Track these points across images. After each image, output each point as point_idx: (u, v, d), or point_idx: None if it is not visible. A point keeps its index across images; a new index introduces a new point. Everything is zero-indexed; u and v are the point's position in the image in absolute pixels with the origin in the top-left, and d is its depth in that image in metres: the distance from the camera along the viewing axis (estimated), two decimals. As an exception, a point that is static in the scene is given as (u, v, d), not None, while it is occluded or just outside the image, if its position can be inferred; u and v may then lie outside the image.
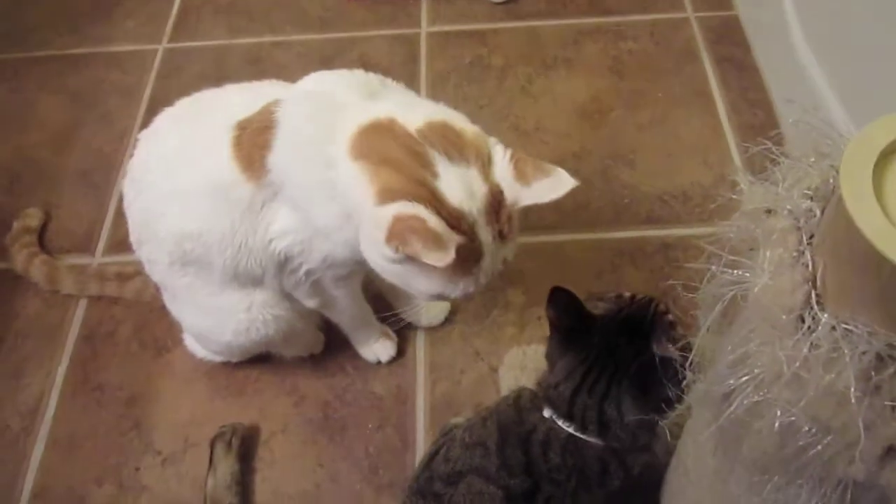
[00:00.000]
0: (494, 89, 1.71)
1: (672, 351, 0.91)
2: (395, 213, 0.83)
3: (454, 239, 0.84)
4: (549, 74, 1.73)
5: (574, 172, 1.51)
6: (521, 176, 0.89)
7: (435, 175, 0.87)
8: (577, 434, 0.95)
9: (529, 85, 1.72)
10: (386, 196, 0.85)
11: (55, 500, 1.22)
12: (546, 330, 1.32)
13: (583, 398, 0.94)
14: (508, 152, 0.91)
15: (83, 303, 1.43)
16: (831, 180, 0.61)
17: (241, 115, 0.98)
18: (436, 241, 0.82)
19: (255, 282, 1.08)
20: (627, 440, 0.95)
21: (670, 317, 0.96)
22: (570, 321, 0.96)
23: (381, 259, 0.89)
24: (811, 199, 0.60)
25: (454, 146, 0.89)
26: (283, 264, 1.04)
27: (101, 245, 1.52)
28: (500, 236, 0.89)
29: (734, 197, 0.65)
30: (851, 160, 0.54)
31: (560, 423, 0.96)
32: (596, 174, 1.54)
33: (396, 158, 0.87)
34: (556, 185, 0.89)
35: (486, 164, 0.89)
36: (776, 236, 0.59)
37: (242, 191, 0.98)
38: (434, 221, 0.83)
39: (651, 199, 1.50)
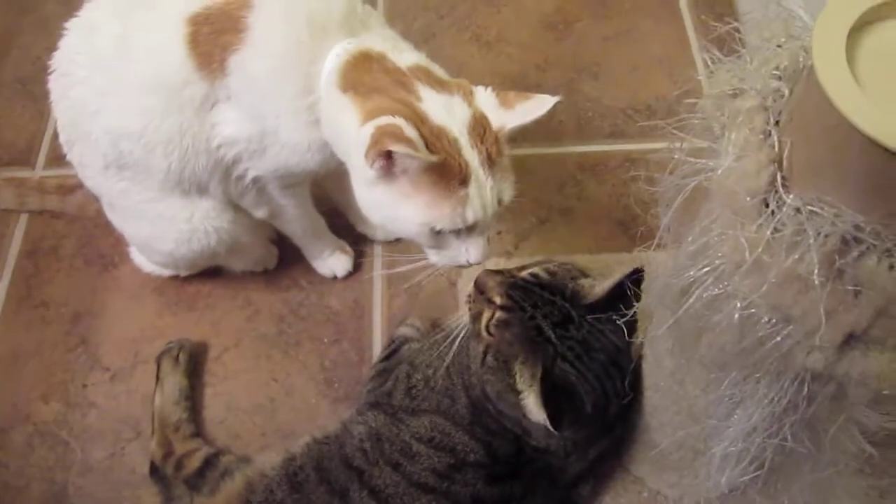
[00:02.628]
0: (456, -1, 1.64)
1: (592, 288, 0.91)
2: (377, 125, 0.82)
3: (430, 154, 0.83)
4: (512, -17, 1.66)
5: (537, 86, 1.50)
6: (505, 102, 0.89)
7: (419, 99, 0.87)
8: None
9: (492, -6, 1.65)
10: (370, 116, 0.85)
11: (-1, 417, 1.18)
12: (506, 244, 1.31)
13: (614, 409, 0.91)
14: (490, 88, 0.91)
15: (24, 217, 1.37)
16: (801, 60, 0.58)
17: (191, 9, 0.92)
18: (410, 144, 0.81)
19: (200, 189, 1.03)
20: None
21: (542, 272, 0.94)
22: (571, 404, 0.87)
23: (365, 189, 0.88)
24: (780, 78, 0.57)
25: (438, 82, 0.90)
26: (230, 169, 1.00)
27: (41, 158, 1.44)
28: (489, 160, 0.87)
29: (699, 77, 0.61)
30: (823, 32, 0.51)
31: None
32: (560, 87, 1.50)
33: (384, 87, 0.88)
34: (539, 103, 0.88)
35: (468, 95, 0.89)
36: (742, 117, 0.56)
37: (195, 89, 0.93)
38: (412, 132, 0.82)
39: (615, 113, 1.46)
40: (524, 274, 0.94)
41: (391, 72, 0.89)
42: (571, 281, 0.92)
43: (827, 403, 0.65)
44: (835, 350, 0.56)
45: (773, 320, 0.57)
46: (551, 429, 0.82)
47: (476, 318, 0.92)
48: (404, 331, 1.16)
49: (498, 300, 0.90)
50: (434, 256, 0.94)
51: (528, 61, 1.54)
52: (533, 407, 0.84)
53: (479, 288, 0.93)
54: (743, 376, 0.66)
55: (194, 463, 1.05)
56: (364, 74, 0.88)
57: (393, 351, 1.12)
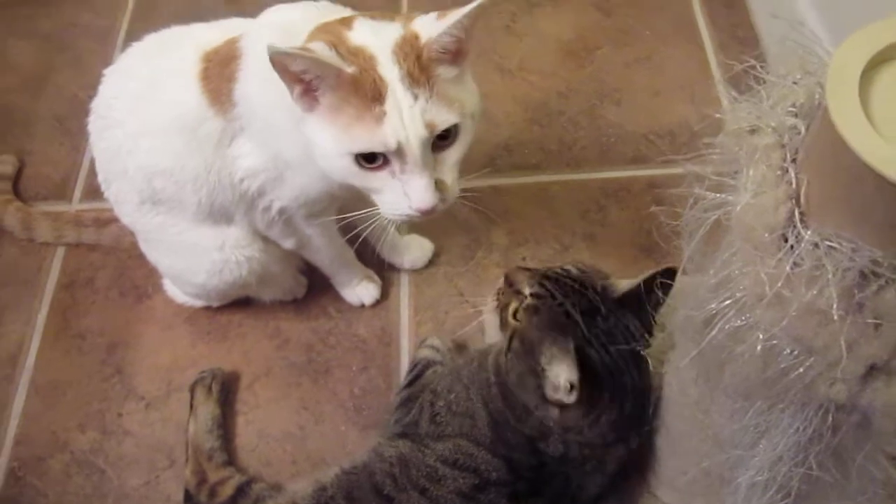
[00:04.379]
0: (477, 28, 1.64)
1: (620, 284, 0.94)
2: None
3: (336, 57, 0.79)
4: (533, 12, 1.69)
5: (559, 112, 1.52)
6: (440, 17, 0.83)
7: (350, 28, 0.84)
8: None
9: (513, 23, 1.67)
10: None
11: (38, 446, 1.21)
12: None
13: (628, 408, 0.92)
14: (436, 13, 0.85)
15: (61, 250, 1.41)
16: (817, 96, 0.59)
17: (206, 47, 0.96)
18: (307, 51, 0.79)
19: (228, 219, 1.06)
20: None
21: (573, 268, 0.98)
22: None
23: (303, 131, 0.86)
24: (796, 115, 0.59)
25: (383, 17, 0.87)
26: (256, 201, 1.03)
27: (77, 192, 1.49)
28: (411, 77, 0.81)
29: (718, 116, 0.63)
30: (837, 72, 0.52)
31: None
32: (581, 113, 1.52)
33: (325, 30, 0.86)
34: (462, 8, 0.81)
35: (408, 21, 0.85)
36: (759, 154, 0.58)
37: (211, 126, 0.95)
38: (319, 48, 0.80)
39: (637, 139, 1.47)
40: (556, 267, 0.97)
41: (341, 20, 0.87)
42: (602, 279, 0.95)
43: (852, 432, 0.65)
44: (857, 381, 0.57)
45: (796, 352, 0.58)
46: (571, 392, 0.86)
47: (503, 308, 0.95)
48: (426, 353, 1.17)
49: (527, 290, 0.93)
50: (381, 205, 0.88)
51: (550, 89, 1.56)
52: (560, 371, 0.85)
53: (509, 281, 0.96)
54: (767, 406, 0.67)
55: (227, 490, 1.07)
56: (317, 33, 0.86)
57: (416, 376, 1.13)
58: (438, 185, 0.86)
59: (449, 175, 0.87)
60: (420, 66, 0.81)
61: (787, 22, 0.62)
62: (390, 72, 0.80)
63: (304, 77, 0.80)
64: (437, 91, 0.82)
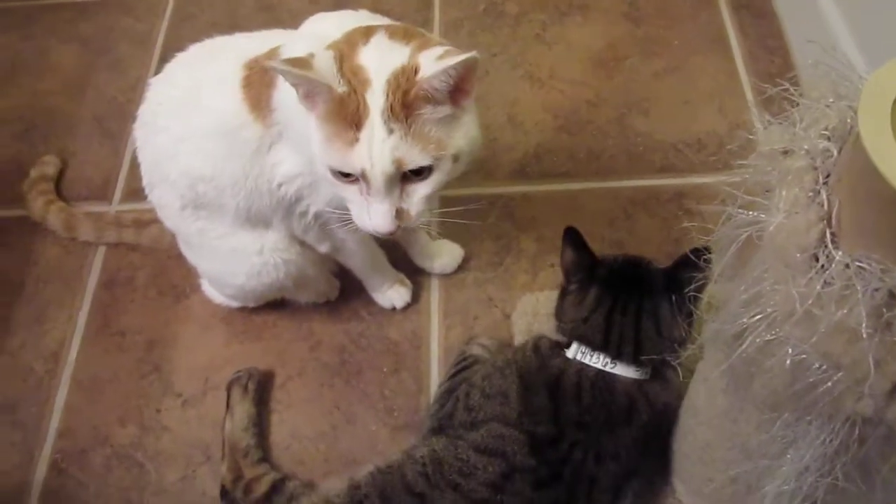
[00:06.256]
0: (508, 37, 1.69)
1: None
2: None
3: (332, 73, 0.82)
4: (563, 21, 1.71)
5: (588, 121, 1.55)
6: (442, 57, 0.82)
7: (366, 41, 0.85)
8: (607, 369, 1.01)
9: (544, 32, 1.70)
10: None
11: (80, 439, 1.25)
12: (559, 277, 1.35)
13: (618, 318, 1.02)
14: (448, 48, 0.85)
15: (101, 249, 1.45)
16: (849, 120, 0.61)
17: (250, 55, 0.99)
18: (291, 63, 0.81)
19: (266, 224, 1.10)
20: (660, 349, 1.01)
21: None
22: (587, 258, 1.05)
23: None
24: (828, 139, 0.61)
25: (404, 34, 0.87)
26: (293, 206, 1.06)
27: (117, 192, 1.53)
28: (391, 111, 0.81)
29: (751, 137, 0.65)
30: (870, 99, 0.54)
31: (589, 359, 1.01)
32: (610, 122, 1.54)
33: (346, 38, 0.87)
34: (458, 55, 0.80)
35: (420, 48, 0.84)
36: (792, 176, 0.60)
37: (251, 132, 0.98)
38: (321, 60, 0.82)
39: (666, 148, 1.49)
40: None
41: (365, 30, 0.88)
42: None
43: (878, 445, 0.67)
44: (884, 397, 0.59)
45: (824, 367, 0.60)
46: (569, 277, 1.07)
47: None
48: (476, 350, 1.21)
49: None
50: (352, 213, 0.91)
51: (580, 97, 1.58)
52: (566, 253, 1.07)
53: None
54: (795, 418, 0.69)
55: (262, 487, 1.10)
56: (339, 41, 0.88)
57: (462, 368, 1.17)
58: (400, 213, 0.88)
59: (414, 207, 0.89)
60: (404, 102, 0.82)
61: (819, 46, 0.64)
62: (376, 100, 0.82)
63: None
64: (416, 130, 0.83)
